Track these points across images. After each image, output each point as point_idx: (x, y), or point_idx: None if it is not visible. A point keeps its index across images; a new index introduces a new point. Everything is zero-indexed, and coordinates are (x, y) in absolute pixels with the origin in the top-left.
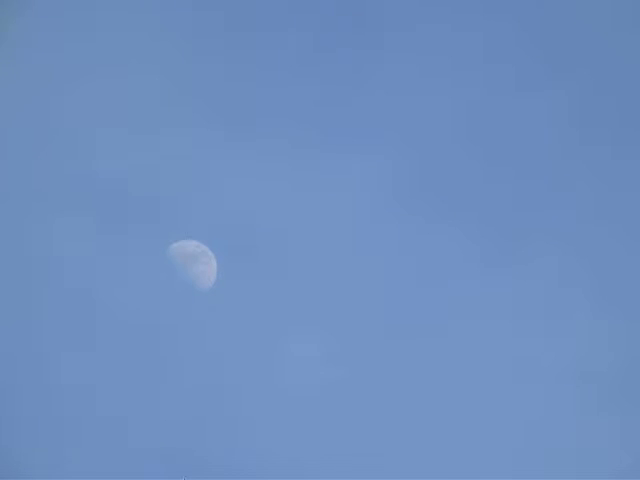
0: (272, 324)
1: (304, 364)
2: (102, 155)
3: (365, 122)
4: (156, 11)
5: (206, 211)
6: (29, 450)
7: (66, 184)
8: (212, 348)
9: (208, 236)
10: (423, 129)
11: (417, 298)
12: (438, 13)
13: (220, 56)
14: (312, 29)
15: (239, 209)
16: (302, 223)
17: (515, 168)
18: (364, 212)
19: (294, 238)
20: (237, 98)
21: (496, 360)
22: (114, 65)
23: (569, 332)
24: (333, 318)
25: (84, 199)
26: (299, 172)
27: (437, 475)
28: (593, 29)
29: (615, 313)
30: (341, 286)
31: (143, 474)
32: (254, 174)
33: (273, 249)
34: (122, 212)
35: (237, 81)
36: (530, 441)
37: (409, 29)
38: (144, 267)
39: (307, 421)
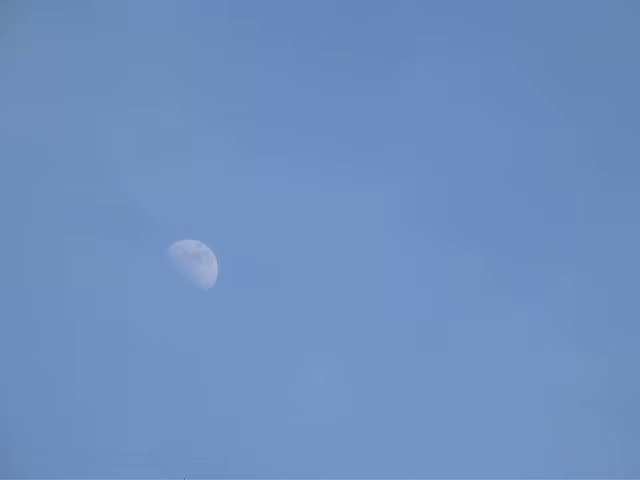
0: (289, 347)
1: (318, 388)
2: (112, 175)
3: (388, 143)
4: (160, 12)
5: (223, 233)
6: (30, 450)
7: (73, 199)
8: (227, 372)
9: (225, 260)
10: (447, 152)
11: (436, 323)
12: (467, 38)
13: (243, 74)
14: (342, 53)
15: (256, 228)
16: (320, 246)
17: (538, 195)
18: (385, 235)
19: (312, 260)
20: (259, 114)
21: (515, 385)
22: (115, 65)
23: (589, 357)
24: (349, 341)
25: (93, 213)
26: (323, 193)
27: None
28: (624, 64)
29: (636, 338)
30: (358, 309)
31: None
32: (274, 194)
33: (291, 272)
34: (133, 229)
35: (259, 98)
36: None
37: (440, 53)
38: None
39: (321, 444)
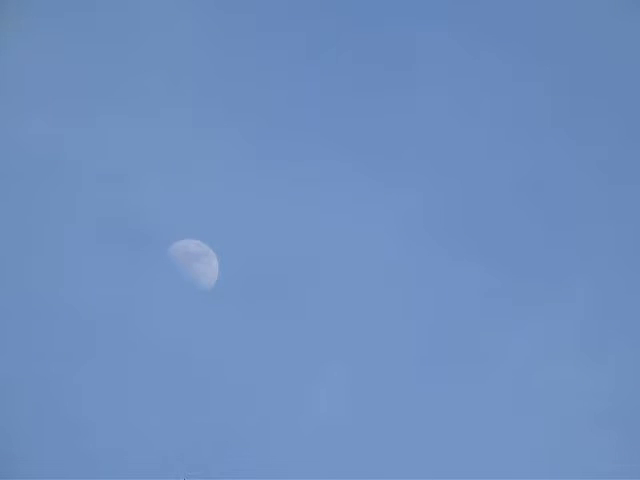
0: (299, 359)
1: (329, 400)
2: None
3: (396, 153)
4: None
5: (233, 246)
6: (30, 450)
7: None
8: (232, 379)
9: (235, 272)
10: (455, 164)
11: (444, 335)
12: (473, 48)
13: (258, 86)
14: (352, 65)
15: (266, 241)
16: (329, 256)
17: (546, 207)
18: (393, 246)
19: (316, 270)
20: (264, 114)
21: (523, 397)
22: (116, 66)
23: (602, 370)
24: (357, 353)
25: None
26: (329, 202)
27: None
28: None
29: None
30: (366, 321)
31: None
32: (280, 201)
33: (300, 283)
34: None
35: (262, 99)
36: None
37: (447, 61)
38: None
39: (329, 452)
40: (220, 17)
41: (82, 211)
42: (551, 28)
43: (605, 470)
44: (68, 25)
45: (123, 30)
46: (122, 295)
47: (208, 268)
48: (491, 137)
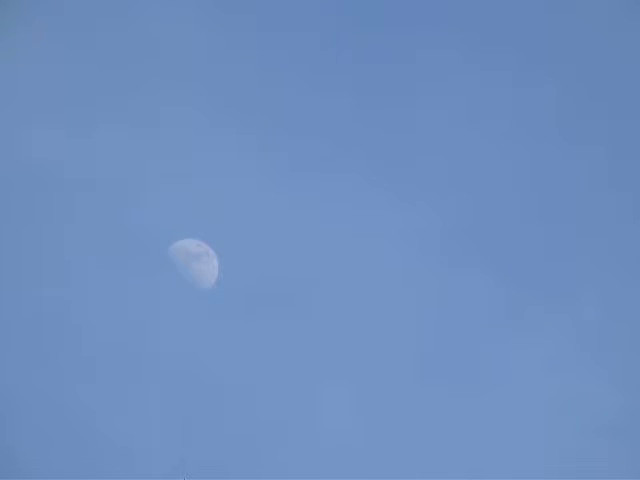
0: (306, 373)
1: (335, 413)
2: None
3: (411, 166)
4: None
5: (241, 260)
6: (31, 450)
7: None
8: (246, 396)
9: (243, 286)
10: (470, 179)
11: (452, 348)
12: (487, 61)
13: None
14: (368, 75)
15: (275, 255)
16: (339, 271)
17: (559, 222)
18: (404, 260)
19: (326, 280)
20: (268, 115)
21: (533, 411)
22: (116, 68)
23: (609, 383)
24: (364, 367)
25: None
26: (340, 213)
27: None
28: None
29: None
30: (374, 335)
31: None
32: (294, 221)
33: (309, 297)
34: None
35: (284, 122)
36: None
37: (469, 75)
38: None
39: (337, 470)
40: (222, 19)
41: (82, 211)
42: (555, 32)
43: None
44: (68, 31)
45: (125, 37)
46: (122, 295)
47: (208, 268)
48: (509, 151)
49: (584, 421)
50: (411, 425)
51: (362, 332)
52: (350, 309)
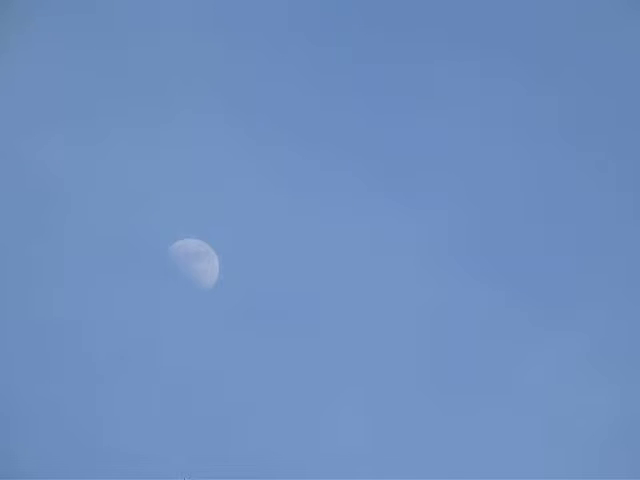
0: (310, 377)
1: (345, 431)
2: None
3: (418, 173)
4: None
5: (241, 260)
6: (31, 450)
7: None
8: (251, 411)
9: (249, 301)
10: (480, 186)
11: (464, 364)
12: (498, 66)
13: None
14: (376, 80)
15: (276, 255)
16: (342, 273)
17: (571, 231)
18: (412, 269)
19: (332, 288)
20: (268, 115)
21: (540, 422)
22: (116, 68)
23: (617, 395)
24: (375, 383)
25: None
26: (345, 221)
27: None
28: None
29: None
30: (376, 337)
31: None
32: (296, 222)
33: (312, 299)
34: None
35: (289, 123)
36: None
37: (474, 80)
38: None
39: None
40: (222, 19)
41: (82, 212)
42: (560, 39)
43: None
44: (68, 31)
45: (126, 38)
46: (122, 295)
47: (209, 267)
48: (519, 157)
49: (590, 434)
50: (417, 438)
51: (364, 334)
52: (353, 313)
